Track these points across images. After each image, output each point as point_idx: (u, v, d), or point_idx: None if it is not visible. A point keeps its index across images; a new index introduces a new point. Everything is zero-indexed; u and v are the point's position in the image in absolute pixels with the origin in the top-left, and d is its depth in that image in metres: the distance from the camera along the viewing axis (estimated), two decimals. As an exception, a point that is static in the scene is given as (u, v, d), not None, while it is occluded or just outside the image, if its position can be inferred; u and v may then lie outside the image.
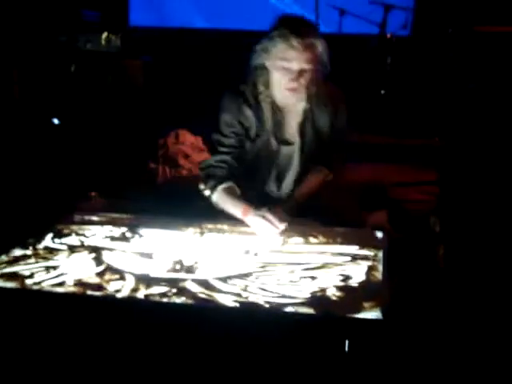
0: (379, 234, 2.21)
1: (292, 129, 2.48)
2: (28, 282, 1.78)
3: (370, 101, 5.59)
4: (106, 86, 3.43)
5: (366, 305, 1.66)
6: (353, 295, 1.72)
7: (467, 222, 2.57)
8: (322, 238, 2.15)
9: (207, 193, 2.39)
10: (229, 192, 2.36)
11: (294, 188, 2.52)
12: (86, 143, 3.42)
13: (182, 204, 2.54)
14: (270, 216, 2.18)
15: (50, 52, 3.55)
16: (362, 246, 2.08)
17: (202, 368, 1.61)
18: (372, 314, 1.61)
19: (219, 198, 2.37)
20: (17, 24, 4.32)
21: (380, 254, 2.02)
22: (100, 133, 3.46)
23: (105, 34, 3.48)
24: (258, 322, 1.61)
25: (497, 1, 5.29)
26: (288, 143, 2.48)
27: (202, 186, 2.42)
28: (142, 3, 6.84)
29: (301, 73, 2.27)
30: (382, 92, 5.62)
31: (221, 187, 2.37)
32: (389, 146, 4.88)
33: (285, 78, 2.30)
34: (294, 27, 2.25)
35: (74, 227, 2.22)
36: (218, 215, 2.40)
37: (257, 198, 2.45)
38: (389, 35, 5.56)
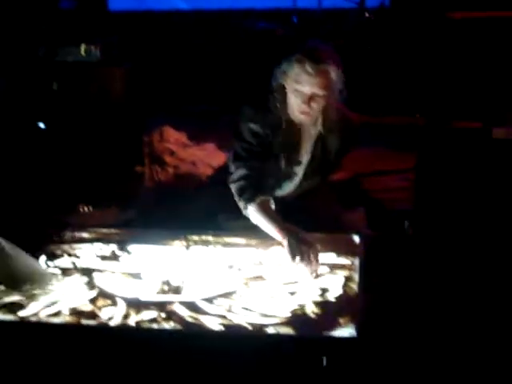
0: (356, 239, 2.33)
1: (303, 149, 2.55)
2: (25, 312, 1.88)
3: (349, 78, 5.64)
4: (88, 95, 3.50)
5: (341, 321, 1.79)
6: (329, 311, 1.85)
7: (444, 219, 2.69)
8: (301, 247, 2.27)
9: (242, 205, 2.37)
10: (265, 206, 2.34)
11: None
12: (72, 151, 3.51)
13: (170, 211, 2.66)
14: (310, 256, 2.11)
15: (31, 66, 3.60)
16: (340, 254, 2.20)
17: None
18: (347, 330, 1.74)
19: (256, 211, 2.33)
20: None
21: (356, 262, 2.14)
22: (85, 140, 3.54)
23: (83, 46, 3.53)
24: (241, 346, 1.74)
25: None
26: (297, 162, 2.55)
27: (236, 199, 2.39)
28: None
29: (313, 97, 2.33)
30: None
31: (258, 200, 2.34)
32: (371, 126, 4.95)
33: (297, 101, 2.36)
34: (310, 53, 2.32)
35: (66, 247, 2.33)
36: (204, 222, 2.53)
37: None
38: (367, 14, 5.59)
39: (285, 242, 2.19)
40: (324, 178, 2.64)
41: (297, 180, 2.60)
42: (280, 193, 2.61)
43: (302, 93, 2.34)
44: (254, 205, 2.34)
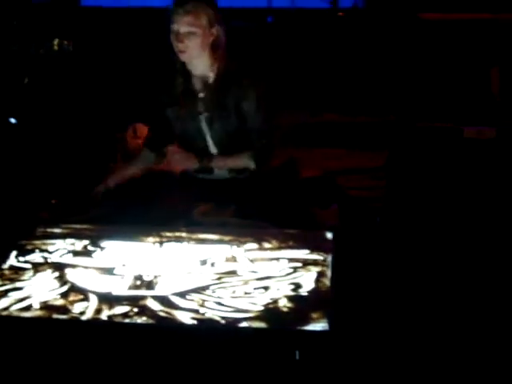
0: (329, 235, 2.34)
1: (200, 100, 2.73)
2: (-4, 306, 1.87)
3: (323, 78, 5.67)
4: (59, 89, 3.47)
5: (314, 315, 1.80)
6: (302, 305, 1.86)
7: (414, 216, 2.72)
8: (274, 243, 2.27)
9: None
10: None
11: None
12: (44, 145, 3.48)
13: (142, 206, 2.65)
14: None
15: (3, 60, 3.57)
16: (312, 250, 2.21)
17: None
18: (319, 325, 1.75)
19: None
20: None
21: (329, 259, 2.16)
22: (56, 134, 3.51)
23: (56, 40, 3.51)
24: (214, 340, 1.74)
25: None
26: (196, 113, 2.73)
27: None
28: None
29: (184, 35, 2.57)
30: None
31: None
32: (343, 125, 4.99)
33: (173, 42, 2.61)
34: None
35: (37, 242, 2.30)
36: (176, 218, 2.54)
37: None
38: (341, 13, 5.63)
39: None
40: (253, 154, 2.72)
41: (208, 137, 2.74)
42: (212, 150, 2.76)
43: (173, 31, 2.60)
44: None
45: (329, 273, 2.06)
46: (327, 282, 2.00)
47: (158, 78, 2.81)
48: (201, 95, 2.73)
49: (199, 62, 2.68)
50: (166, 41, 2.71)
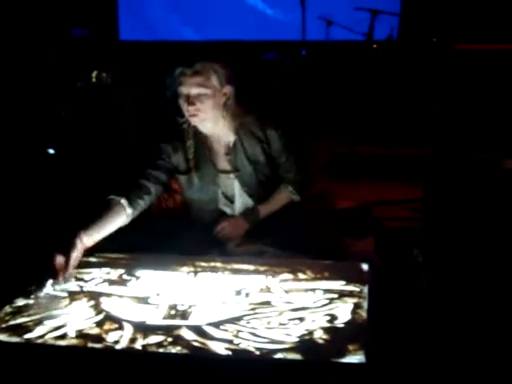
0: (365, 267, 2.31)
1: (224, 160, 2.68)
2: (31, 335, 1.88)
3: (361, 111, 5.68)
4: (98, 121, 3.53)
5: (350, 347, 1.77)
6: (338, 337, 1.83)
7: (451, 246, 2.67)
8: (309, 274, 2.25)
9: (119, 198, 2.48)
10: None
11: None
12: (81, 175, 3.52)
13: (176, 237, 2.65)
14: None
15: (42, 91, 3.65)
16: (348, 281, 2.18)
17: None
18: (356, 357, 1.72)
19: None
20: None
21: (365, 290, 2.12)
22: (94, 166, 3.56)
23: (95, 72, 3.57)
24: (248, 371, 1.71)
25: (475, 18, 5.39)
26: (212, 175, 2.67)
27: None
28: (131, 18, 6.92)
29: (195, 97, 2.47)
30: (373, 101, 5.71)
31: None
32: (380, 157, 4.97)
33: (183, 104, 2.52)
34: (187, 59, 2.49)
35: (73, 271, 2.32)
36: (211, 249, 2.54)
37: (210, 214, 2.70)
38: (375, 45, 5.64)
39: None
40: (293, 187, 2.71)
41: (239, 194, 2.69)
42: (238, 208, 2.72)
43: (182, 94, 2.49)
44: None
45: (365, 304, 2.02)
46: (364, 313, 1.97)
47: (169, 140, 2.67)
48: (228, 156, 2.66)
49: (212, 123, 2.59)
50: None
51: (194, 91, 2.47)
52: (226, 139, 2.66)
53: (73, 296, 2.13)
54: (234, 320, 1.93)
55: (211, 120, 2.57)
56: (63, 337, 1.86)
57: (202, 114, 2.51)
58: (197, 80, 2.46)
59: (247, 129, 2.65)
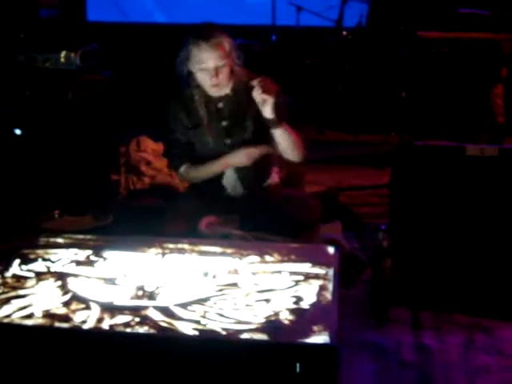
0: (331, 250, 2.34)
1: (219, 111, 2.77)
2: (-2, 314, 1.87)
3: (327, 97, 5.72)
4: (66, 102, 3.50)
5: (315, 328, 1.80)
6: (303, 318, 1.86)
7: (417, 230, 2.72)
8: (276, 256, 2.28)
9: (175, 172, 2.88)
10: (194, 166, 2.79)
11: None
12: (47, 157, 3.50)
13: (143, 220, 2.67)
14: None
15: (9, 71, 3.60)
16: (314, 264, 2.22)
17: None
18: (320, 338, 1.75)
19: (186, 172, 2.83)
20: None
21: (331, 272, 2.16)
22: (60, 146, 3.53)
23: (63, 52, 3.53)
24: (215, 351, 1.74)
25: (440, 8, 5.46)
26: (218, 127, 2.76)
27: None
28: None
29: (217, 69, 2.61)
30: (339, 88, 5.75)
31: (183, 166, 2.81)
32: (346, 143, 5.02)
33: (206, 78, 2.64)
34: (201, 33, 2.61)
35: (40, 251, 2.31)
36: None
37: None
38: (344, 32, 5.67)
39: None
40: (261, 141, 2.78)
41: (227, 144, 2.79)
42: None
43: (207, 69, 2.61)
44: (182, 169, 2.81)
45: (330, 286, 2.06)
46: (329, 295, 2.00)
47: (177, 103, 2.80)
48: (220, 105, 2.76)
49: (225, 87, 2.72)
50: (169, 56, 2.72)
51: (218, 64, 2.59)
52: (226, 93, 2.76)
53: (40, 276, 2.12)
54: (201, 301, 1.95)
55: (226, 84, 2.70)
56: (30, 316, 1.86)
57: (223, 82, 2.66)
58: (217, 53, 2.58)
59: (240, 85, 2.74)
